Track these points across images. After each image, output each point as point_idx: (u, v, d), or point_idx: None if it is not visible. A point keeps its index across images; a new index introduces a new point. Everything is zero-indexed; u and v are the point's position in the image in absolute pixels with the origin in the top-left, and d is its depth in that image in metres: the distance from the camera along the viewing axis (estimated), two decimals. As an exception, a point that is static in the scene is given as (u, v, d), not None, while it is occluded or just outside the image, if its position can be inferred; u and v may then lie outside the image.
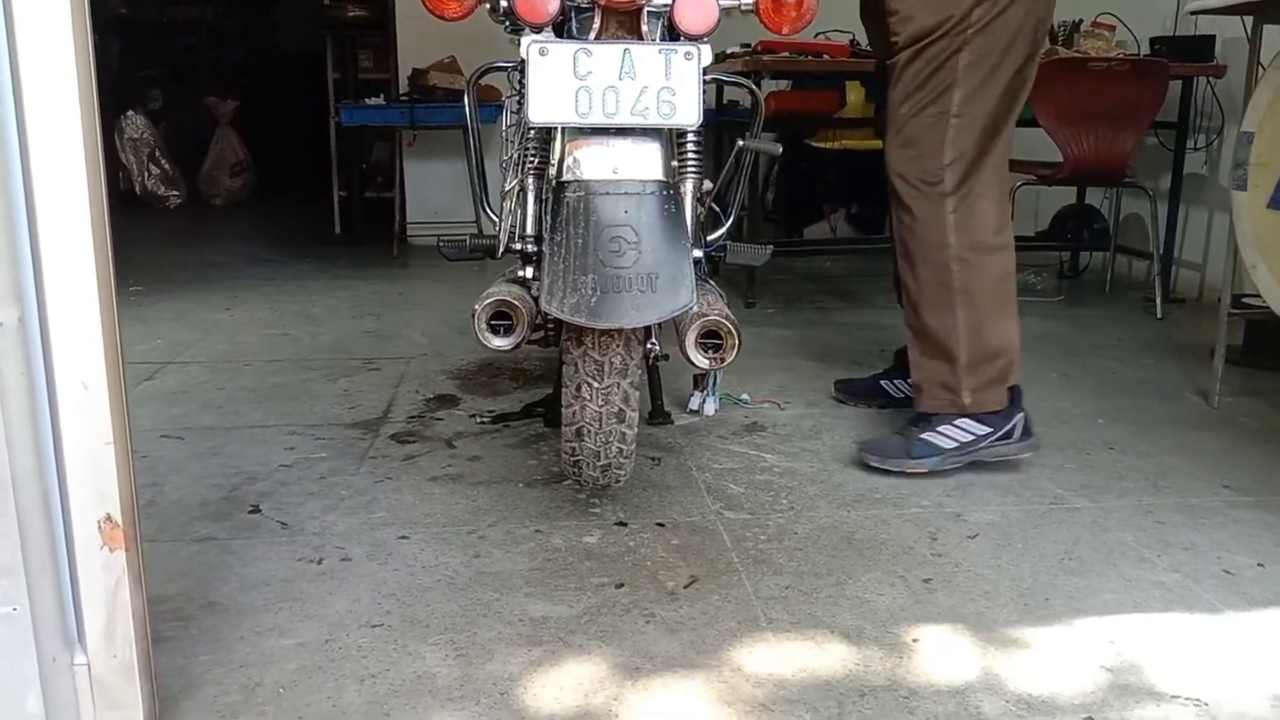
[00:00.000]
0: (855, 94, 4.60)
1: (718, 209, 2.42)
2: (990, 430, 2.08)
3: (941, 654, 1.45)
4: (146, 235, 5.77)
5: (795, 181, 5.06)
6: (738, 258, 2.31)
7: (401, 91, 5.01)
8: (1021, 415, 2.10)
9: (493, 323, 1.59)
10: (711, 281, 1.86)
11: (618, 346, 1.60)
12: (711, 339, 1.58)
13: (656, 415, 2.41)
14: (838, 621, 1.53)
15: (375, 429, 2.40)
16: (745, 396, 2.59)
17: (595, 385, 1.61)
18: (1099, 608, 1.59)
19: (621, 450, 1.68)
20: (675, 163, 1.67)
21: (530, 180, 1.75)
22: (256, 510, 1.93)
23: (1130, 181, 3.88)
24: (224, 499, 1.98)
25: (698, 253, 1.74)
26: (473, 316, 1.58)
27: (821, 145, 4.77)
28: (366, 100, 4.96)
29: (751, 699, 1.34)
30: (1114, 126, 3.75)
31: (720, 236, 2.35)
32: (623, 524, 1.87)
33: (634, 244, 1.55)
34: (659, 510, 1.93)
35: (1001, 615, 1.56)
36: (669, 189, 1.62)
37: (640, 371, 1.65)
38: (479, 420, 2.43)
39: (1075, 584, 1.66)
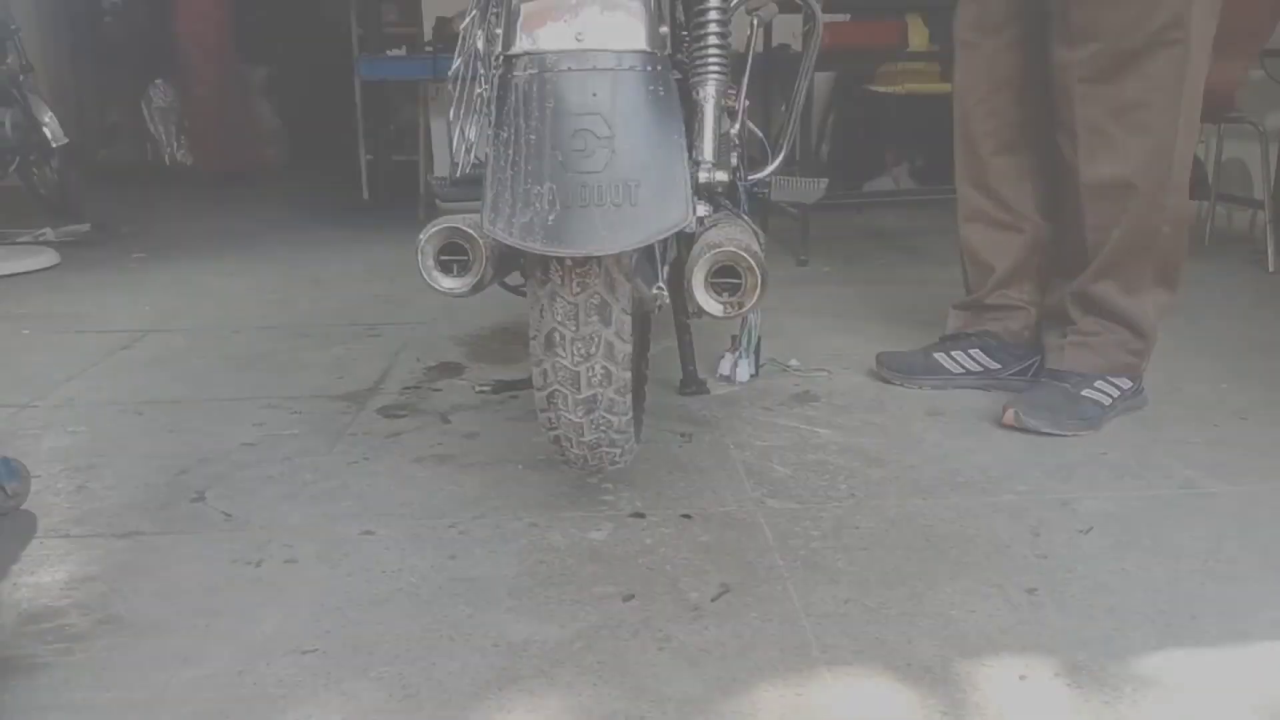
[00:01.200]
0: (918, 33, 4.16)
1: (761, 137, 2.04)
2: (1131, 385, 1.90)
3: (1059, 696, 1.06)
4: (168, 204, 5.51)
5: (853, 131, 4.62)
6: (785, 194, 1.93)
7: (426, 41, 4.67)
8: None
9: (443, 258, 1.22)
10: (746, 217, 1.48)
11: (595, 281, 1.22)
12: (727, 277, 1.20)
13: (689, 383, 2.03)
14: (915, 650, 1.15)
15: (362, 401, 2.06)
16: (794, 362, 2.21)
17: (568, 334, 1.23)
18: (1265, 628, 1.19)
19: (611, 423, 1.31)
20: (665, 29, 1.26)
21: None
22: (200, 499, 1.60)
23: (1236, 117, 3.40)
24: (167, 484, 1.65)
25: (720, 177, 1.35)
26: (417, 251, 1.21)
27: (883, 90, 4.34)
28: (388, 53, 4.62)
29: (798, 763, 0.97)
30: (1219, 53, 3.26)
31: (771, 171, 1.97)
32: (639, 515, 1.50)
33: (606, 140, 1.16)
34: (686, 498, 1.56)
35: (1136, 639, 1.17)
36: (656, 64, 1.22)
37: (628, 317, 1.27)
38: (478, 389, 2.08)
39: (1229, 595, 1.26)
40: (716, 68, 1.40)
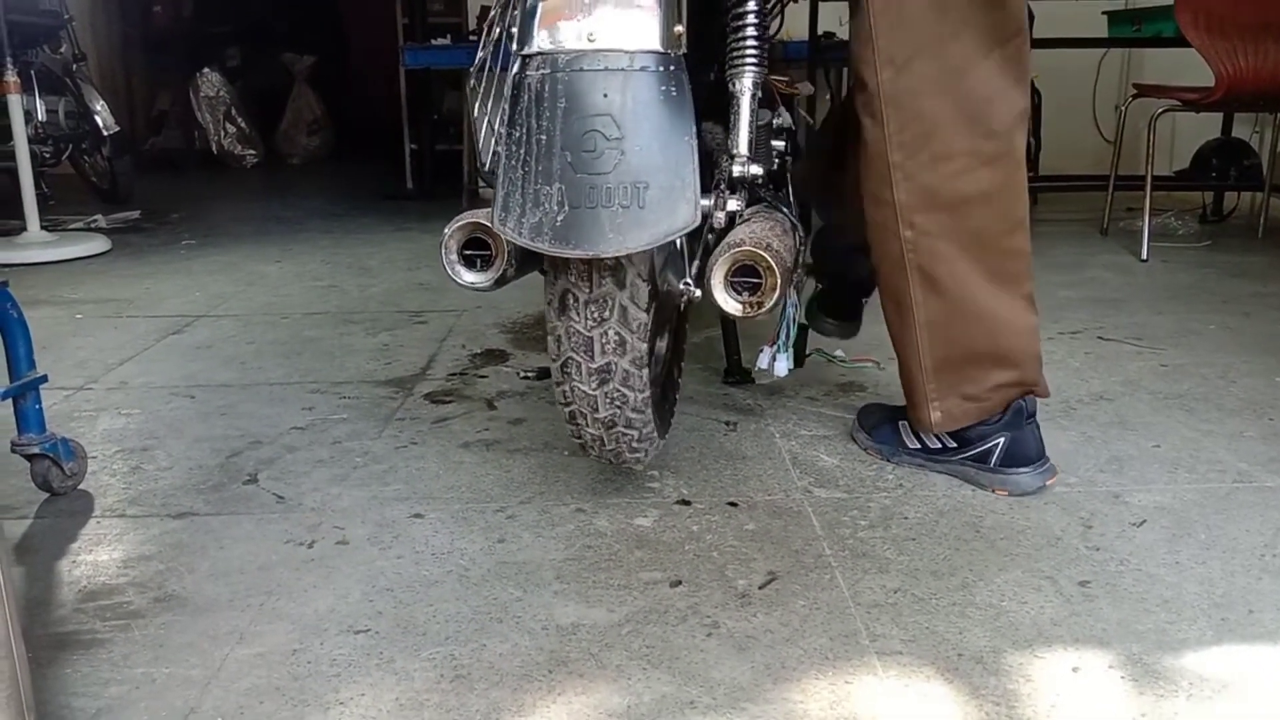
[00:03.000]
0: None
1: (810, 124, 2.03)
2: (957, 446, 1.56)
3: (1113, 689, 1.05)
4: (215, 192, 5.59)
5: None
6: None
7: (470, 31, 4.69)
8: (1002, 438, 1.51)
9: (466, 253, 1.23)
10: (785, 210, 1.47)
11: (607, 279, 1.23)
12: (748, 276, 1.20)
13: (733, 373, 2.03)
14: (966, 640, 1.14)
15: (409, 387, 2.07)
16: (840, 353, 2.20)
17: (582, 331, 1.24)
18: (1326, 625, 1.17)
19: (629, 419, 1.31)
20: (681, 28, 1.24)
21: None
22: (253, 480, 1.62)
23: (1294, 107, 3.34)
24: (219, 466, 1.68)
25: (755, 170, 1.34)
26: (440, 245, 1.22)
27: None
28: (432, 42, 4.65)
29: (848, 750, 0.97)
30: (1277, 39, 3.21)
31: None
32: (686, 503, 1.50)
33: (615, 141, 1.15)
34: (731, 486, 1.56)
35: (1192, 633, 1.15)
36: (669, 64, 1.20)
37: (646, 313, 1.27)
38: (523, 376, 2.09)
39: (1287, 591, 1.24)
40: (753, 59, 1.39)
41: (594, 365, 1.28)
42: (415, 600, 1.24)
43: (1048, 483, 1.52)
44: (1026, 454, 1.51)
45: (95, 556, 1.38)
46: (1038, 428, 1.53)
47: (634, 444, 1.38)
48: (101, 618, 1.22)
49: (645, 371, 1.30)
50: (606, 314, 1.24)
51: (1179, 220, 3.73)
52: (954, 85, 1.39)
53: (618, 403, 1.31)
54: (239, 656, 1.13)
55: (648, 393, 1.33)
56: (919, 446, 1.60)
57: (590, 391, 1.30)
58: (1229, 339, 2.35)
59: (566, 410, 1.35)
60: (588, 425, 1.35)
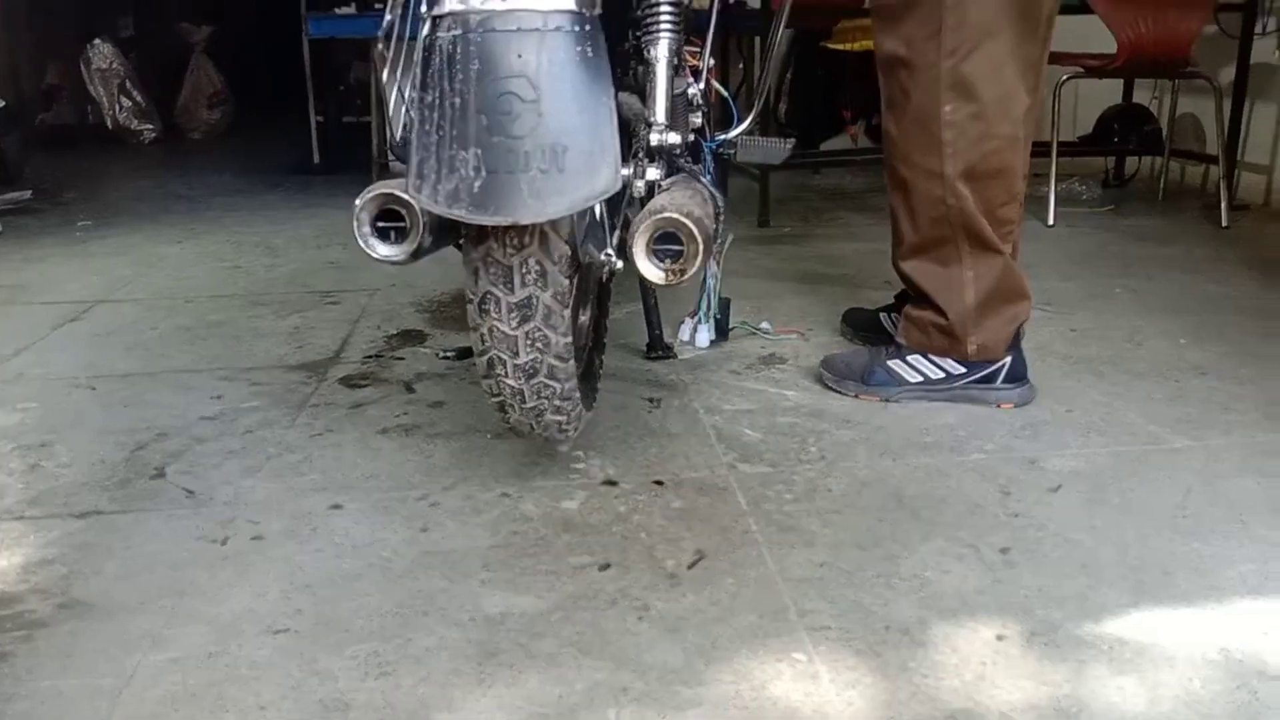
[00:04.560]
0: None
1: (728, 96, 2.02)
2: (965, 371, 1.76)
3: (1039, 657, 1.07)
4: (111, 170, 5.36)
5: (812, 89, 4.59)
6: (751, 155, 1.91)
7: None
8: (1009, 359, 1.77)
9: (380, 225, 1.19)
10: (704, 180, 1.45)
11: (531, 244, 1.20)
12: (670, 244, 1.19)
13: (655, 347, 2.02)
14: (892, 612, 1.15)
15: (322, 372, 2.02)
16: (766, 325, 2.20)
17: (504, 298, 1.21)
18: (1236, 583, 1.21)
19: (554, 390, 1.29)
20: None
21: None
22: (160, 474, 1.56)
23: (1190, 72, 3.43)
24: (125, 461, 1.61)
25: (673, 139, 1.33)
26: (352, 218, 1.18)
27: (840, 47, 4.31)
28: (337, 10, 4.51)
29: (782, 730, 0.97)
30: (1177, 8, 3.29)
31: (742, 131, 1.94)
32: (612, 483, 1.49)
33: (532, 104, 1.12)
34: (657, 464, 1.55)
35: (1110, 597, 1.18)
36: (585, 24, 1.17)
37: (570, 281, 1.25)
38: (442, 356, 2.05)
39: (1199, 551, 1.28)
40: (669, 25, 1.37)
41: (515, 332, 1.25)
42: (337, 596, 1.21)
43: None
44: (1019, 372, 1.76)
45: (-7, 562, 1.31)
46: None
47: (562, 426, 1.35)
48: (1, 629, 1.16)
49: (570, 364, 1.28)
50: (527, 280, 1.21)
51: (1083, 185, 3.81)
52: (1000, 75, 1.62)
53: (541, 375, 1.28)
54: (152, 663, 1.09)
55: (574, 384, 1.31)
56: (921, 379, 1.75)
57: (516, 386, 1.27)
58: (1135, 302, 2.41)
59: (497, 402, 1.32)
60: (517, 414, 1.32)
